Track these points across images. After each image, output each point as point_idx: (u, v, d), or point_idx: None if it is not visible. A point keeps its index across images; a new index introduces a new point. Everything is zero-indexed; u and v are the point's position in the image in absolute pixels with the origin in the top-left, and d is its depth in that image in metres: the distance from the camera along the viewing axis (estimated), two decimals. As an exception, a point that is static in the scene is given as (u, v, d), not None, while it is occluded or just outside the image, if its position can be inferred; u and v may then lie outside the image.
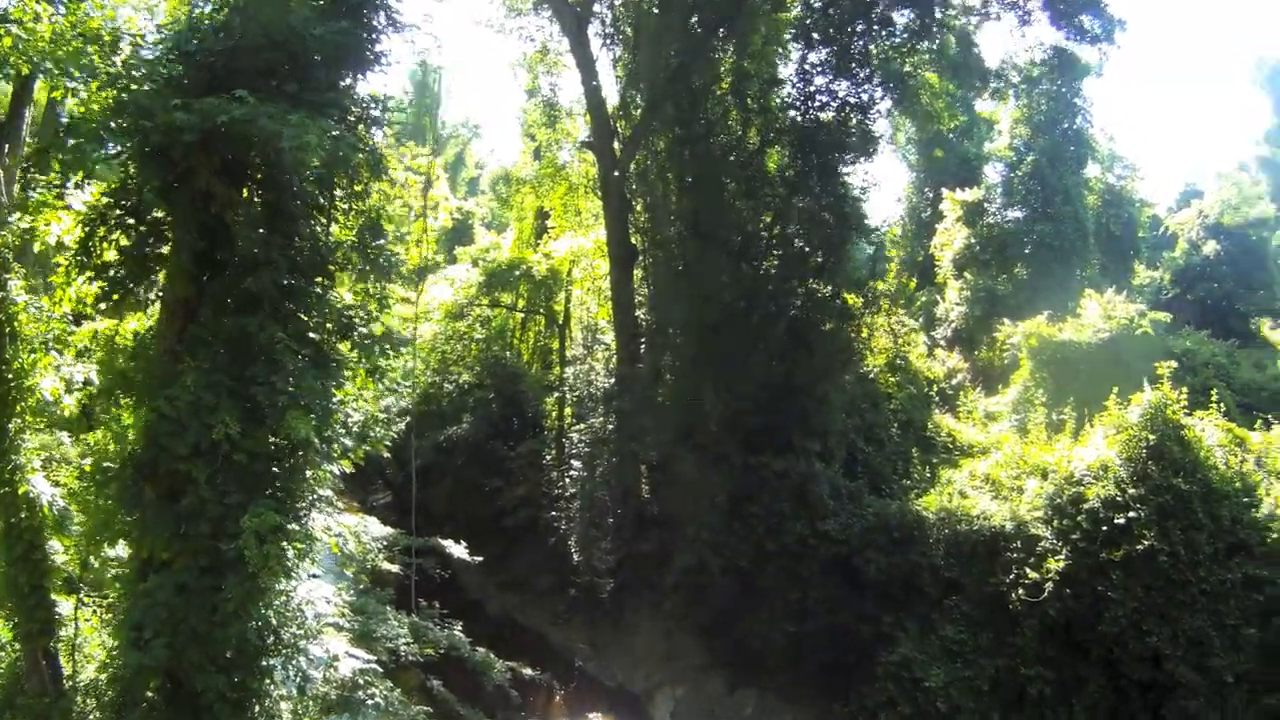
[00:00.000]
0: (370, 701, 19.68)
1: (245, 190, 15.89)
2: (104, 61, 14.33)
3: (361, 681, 19.58)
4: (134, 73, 14.45)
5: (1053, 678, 23.60)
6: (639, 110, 36.39)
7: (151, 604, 14.43)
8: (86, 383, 16.86)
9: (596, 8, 37.44)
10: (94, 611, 18.03)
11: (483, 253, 46.60)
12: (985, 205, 53.48)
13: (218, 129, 13.79)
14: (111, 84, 14.22)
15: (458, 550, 27.79)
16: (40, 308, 16.29)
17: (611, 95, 37.77)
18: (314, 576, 19.43)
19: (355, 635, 20.65)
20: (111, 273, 15.95)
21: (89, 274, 15.88)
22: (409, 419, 40.14)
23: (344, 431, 16.08)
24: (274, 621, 15.91)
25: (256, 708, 15.94)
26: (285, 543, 14.43)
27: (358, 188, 16.48)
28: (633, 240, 36.63)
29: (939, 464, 32.06)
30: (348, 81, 16.60)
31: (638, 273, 36.87)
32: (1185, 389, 25.92)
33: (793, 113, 34.85)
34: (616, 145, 36.79)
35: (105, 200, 15.78)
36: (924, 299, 53.95)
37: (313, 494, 16.05)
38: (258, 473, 14.80)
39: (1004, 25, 35.36)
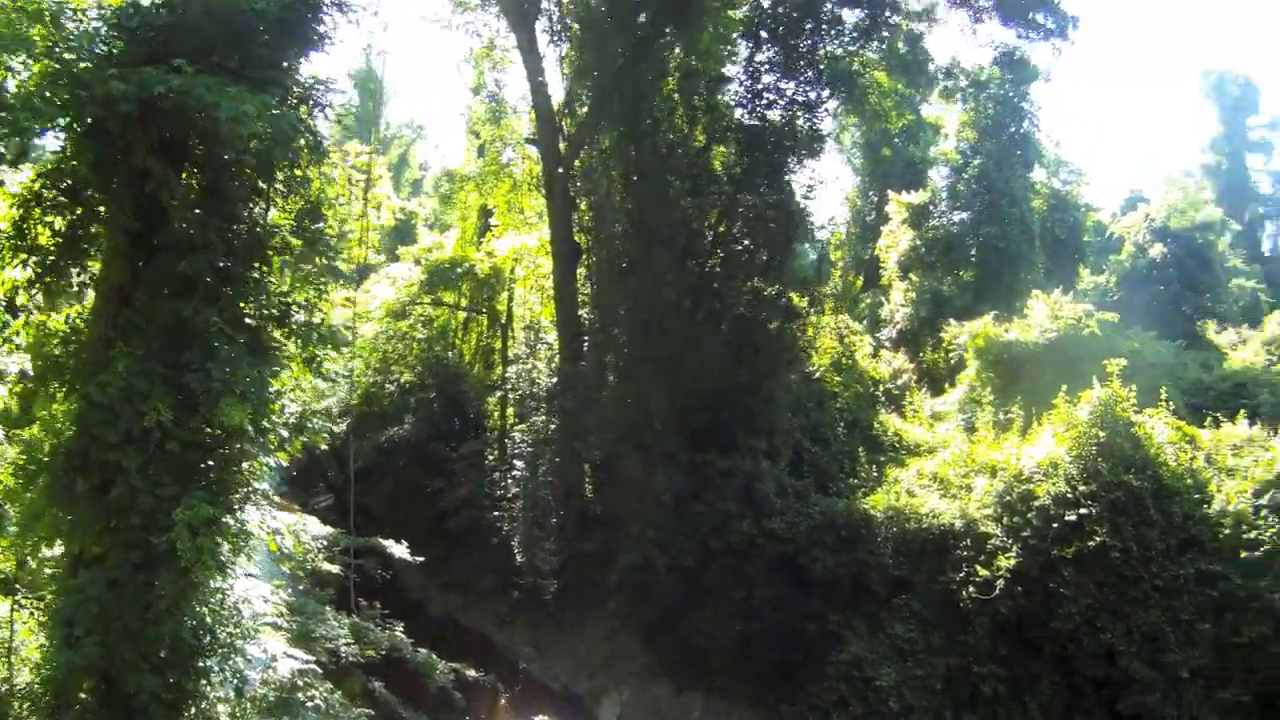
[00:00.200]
0: (310, 704, 19.11)
1: (184, 172, 15.35)
2: (43, 38, 13.78)
3: (301, 683, 19.03)
4: (71, 43, 13.89)
5: (1005, 675, 23.55)
6: (584, 107, 36.05)
7: (82, 600, 13.88)
8: (23, 375, 16.21)
9: (544, 4, 37.01)
10: (31, 614, 17.32)
11: (425, 252, 45.96)
12: (931, 208, 53.67)
13: (155, 103, 13.34)
14: (48, 54, 13.64)
15: (399, 550, 27.23)
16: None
17: (557, 92, 37.46)
18: (250, 576, 18.95)
19: (294, 635, 20.10)
20: (45, 256, 15.38)
21: (22, 256, 15.29)
22: (349, 420, 39.59)
23: (281, 422, 15.57)
24: (209, 620, 15.42)
25: (192, 709, 15.43)
26: (219, 536, 13.92)
27: (298, 172, 16.01)
28: (576, 238, 36.25)
29: (886, 463, 31.96)
30: (290, 62, 16.13)
31: (581, 271, 36.51)
32: (1134, 387, 25.93)
33: (740, 111, 34.75)
34: (561, 142, 36.41)
35: (40, 182, 15.23)
36: (869, 300, 54.08)
37: (248, 486, 15.55)
38: (191, 463, 14.30)
39: (954, 24, 35.31)
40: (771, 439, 31.59)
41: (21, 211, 15.19)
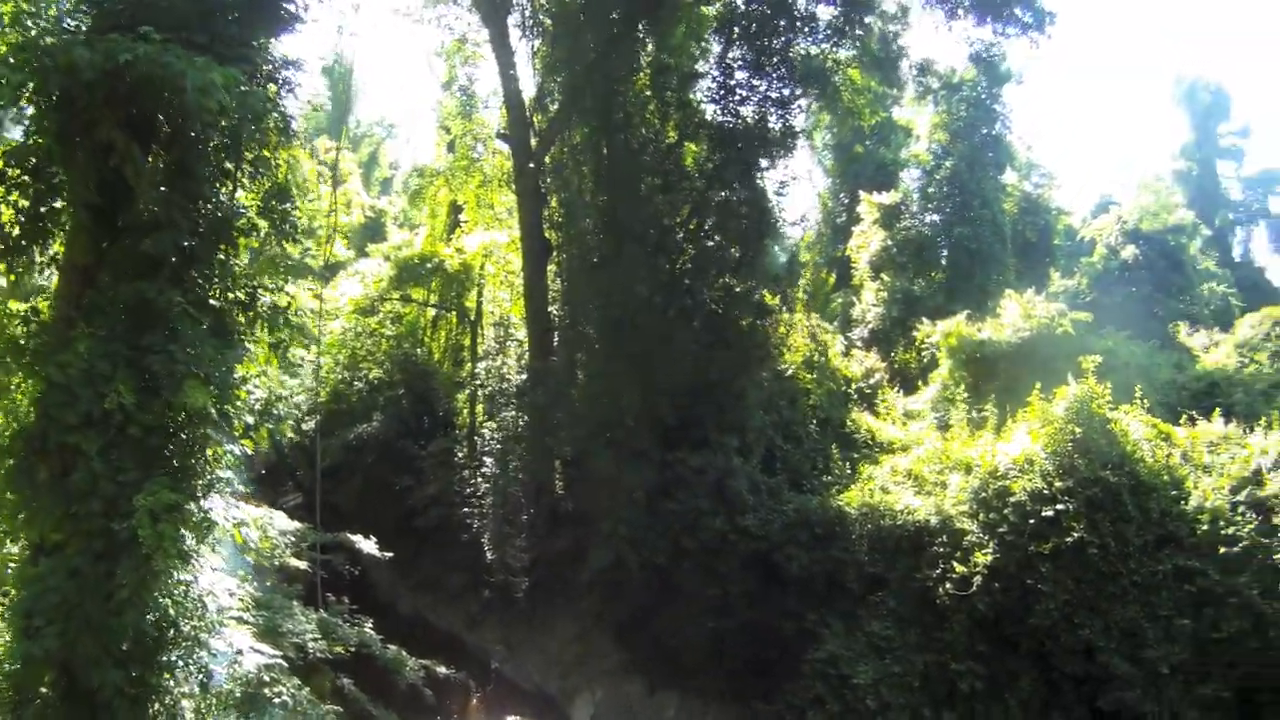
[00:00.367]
0: (277, 700, 18.61)
1: (150, 150, 14.95)
2: (11, 11, 13.40)
3: (267, 678, 18.54)
4: (40, 19, 13.50)
5: (983, 672, 23.33)
6: (556, 103, 35.77)
7: (42, 590, 13.48)
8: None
9: (517, -2, 36.73)
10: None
11: (395, 250, 45.50)
12: (902, 209, 53.66)
13: (122, 74, 13.03)
14: (15, 24, 13.23)
15: (367, 545, 26.73)
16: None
17: (529, 88, 37.24)
18: (215, 570, 18.49)
19: (260, 630, 19.57)
20: (7, 235, 14.91)
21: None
22: (317, 417, 39.22)
23: (246, 407, 15.18)
24: (172, 612, 14.95)
25: (156, 705, 14.98)
26: (181, 523, 13.49)
27: (265, 153, 15.63)
28: (547, 235, 35.95)
29: (859, 460, 31.78)
30: (260, 41, 15.78)
31: (551, 268, 36.20)
32: (1110, 385, 25.87)
33: (712, 107, 34.64)
34: (532, 138, 36.11)
35: (3, 160, 14.77)
36: (840, 301, 54.01)
37: (212, 474, 15.12)
38: (153, 448, 13.88)
39: (929, 22, 35.14)
40: (743, 436, 31.40)
41: (-15, 190, 14.77)
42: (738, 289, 33.33)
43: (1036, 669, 23.06)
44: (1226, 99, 79.37)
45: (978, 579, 23.66)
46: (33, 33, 13.48)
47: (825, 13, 34.43)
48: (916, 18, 36.10)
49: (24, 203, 14.92)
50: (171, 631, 15.02)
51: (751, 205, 33.40)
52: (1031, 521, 23.69)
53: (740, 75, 33.98)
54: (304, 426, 43.44)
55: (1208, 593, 22.28)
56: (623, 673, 30.01)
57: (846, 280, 56.40)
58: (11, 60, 12.95)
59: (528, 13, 36.87)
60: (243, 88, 13.79)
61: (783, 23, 33.64)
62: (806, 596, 26.58)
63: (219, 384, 13.76)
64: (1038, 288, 45.64)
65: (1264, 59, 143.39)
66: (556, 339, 35.29)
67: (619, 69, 33.83)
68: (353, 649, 23.02)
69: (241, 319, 15.48)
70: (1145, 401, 27.20)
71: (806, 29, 34.21)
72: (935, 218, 53.20)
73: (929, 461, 28.82)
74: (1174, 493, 24.06)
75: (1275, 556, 22.07)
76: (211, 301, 14.88)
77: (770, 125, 33.63)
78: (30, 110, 14.29)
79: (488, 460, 36.27)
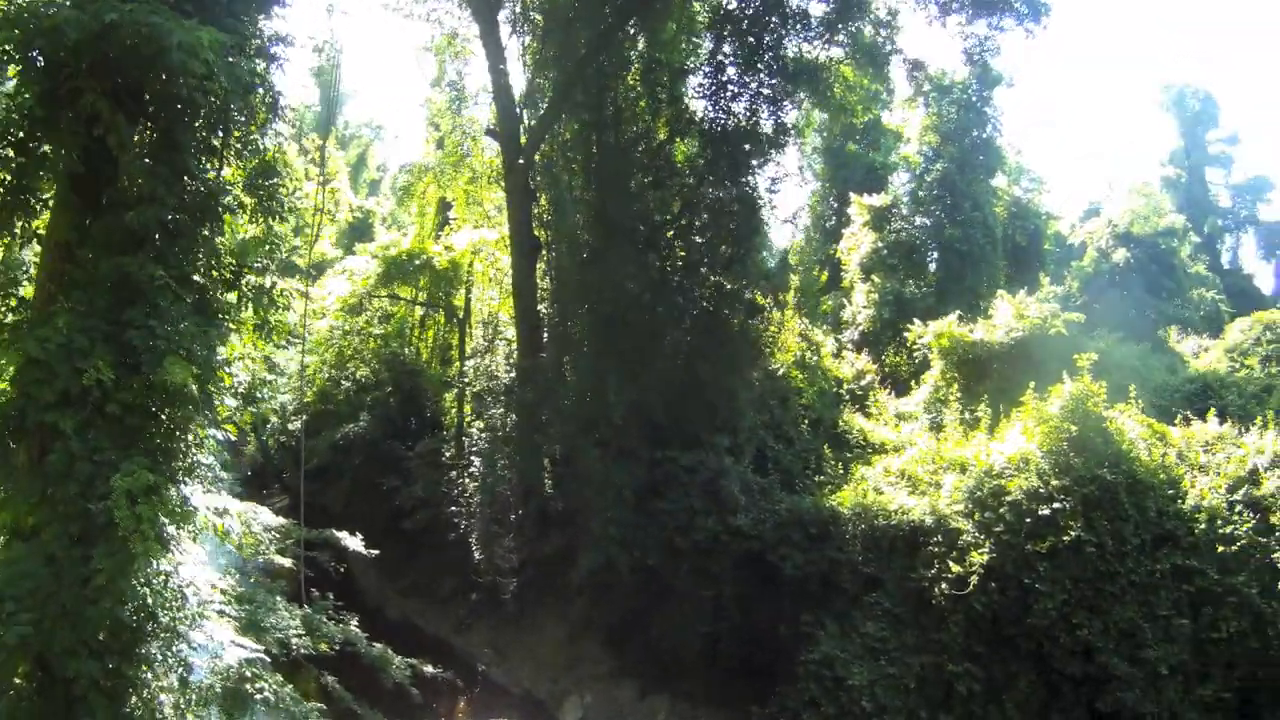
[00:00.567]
0: (259, 696, 18.15)
1: (137, 123, 14.55)
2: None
3: (249, 674, 18.07)
4: None
5: (981, 674, 23.05)
6: (546, 99, 35.42)
7: (17, 575, 13.03)
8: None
9: (508, -7, 36.38)
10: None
11: (383, 249, 45.09)
12: (892, 211, 53.47)
13: (108, 41, 12.74)
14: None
15: (353, 543, 26.23)
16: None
17: (519, 84, 36.86)
18: (197, 563, 18.06)
19: (242, 625, 19.08)
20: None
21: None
22: (304, 417, 38.85)
23: (229, 389, 14.76)
24: (151, 602, 14.49)
25: (133, 698, 14.55)
26: (160, 507, 13.02)
27: (253, 129, 15.25)
28: (536, 233, 35.56)
29: (852, 461, 31.48)
30: (250, 15, 15.39)
31: (540, 266, 35.81)
32: (1104, 384, 25.64)
33: (703, 104, 34.23)
34: (522, 135, 35.73)
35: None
36: (830, 303, 53.76)
37: (193, 457, 14.69)
38: (132, 427, 13.48)
39: (922, 17, 34.72)
40: (735, 436, 31.16)
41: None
42: (728, 287, 33.03)
43: (1034, 670, 22.78)
44: (1215, 106, 79.48)
45: (974, 579, 23.36)
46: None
47: (817, 9, 34.18)
48: (909, 16, 35.79)
49: (6, 176, 14.55)
50: (150, 623, 14.62)
51: (742, 202, 33.09)
52: (1028, 520, 23.49)
53: (731, 72, 33.70)
54: (290, 427, 43.06)
55: (1206, 592, 22.17)
56: (613, 676, 29.69)
57: (836, 282, 56.16)
58: None
59: (518, 9, 36.46)
60: (230, 59, 13.47)
61: (774, 20, 33.34)
62: (800, 597, 26.19)
63: (201, 363, 13.36)
64: (1028, 291, 45.40)
65: (1253, 65, 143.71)
66: (545, 337, 34.88)
67: (610, 65, 33.57)
68: (337, 647, 22.58)
69: (226, 297, 15.07)
70: (1139, 402, 27.01)
71: (798, 26, 33.93)
72: (925, 220, 52.97)
73: (922, 462, 28.59)
74: (1170, 492, 23.94)
75: (1273, 556, 22.05)
76: (195, 278, 14.49)
77: (761, 122, 33.38)
78: (13, 82, 13.92)
79: (476, 460, 35.87)
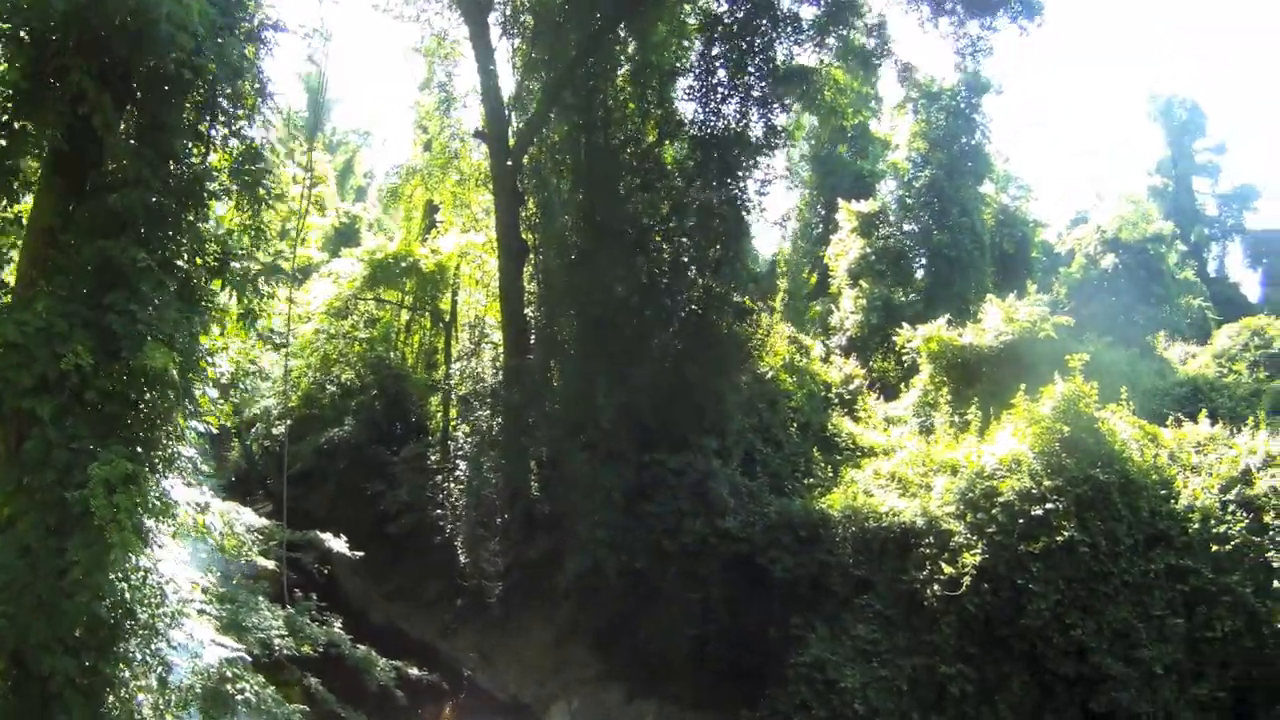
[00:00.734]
0: (240, 697, 17.81)
1: (123, 107, 14.30)
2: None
3: (230, 674, 17.73)
4: None
5: (974, 675, 22.76)
6: (535, 101, 35.26)
7: (-9, 566, 12.72)
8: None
9: (498, -5, 36.26)
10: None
11: (369, 253, 44.82)
12: (879, 219, 53.38)
13: (95, 14, 12.51)
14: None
15: (337, 545, 25.97)
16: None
17: (508, 86, 36.65)
18: (177, 561, 17.72)
19: (223, 624, 18.76)
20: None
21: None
22: (288, 421, 38.56)
23: (211, 378, 14.48)
24: (129, 597, 14.17)
25: (111, 697, 14.25)
26: (138, 497, 12.72)
27: (241, 115, 15.01)
28: (524, 236, 35.35)
29: (841, 464, 31.29)
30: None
31: (527, 269, 35.60)
32: (1096, 385, 25.56)
33: (693, 106, 34.01)
34: (511, 137, 35.56)
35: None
36: (819, 308, 53.64)
37: (173, 448, 14.40)
38: (111, 415, 13.22)
39: (913, 19, 34.66)
40: (723, 439, 30.89)
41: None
42: (717, 290, 32.78)
43: (1028, 671, 22.53)
44: (1202, 116, 79.79)
45: (966, 580, 23.12)
46: None
47: (808, 13, 34.07)
48: (900, 18, 35.79)
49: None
50: (128, 619, 14.28)
51: (732, 205, 32.87)
52: (1021, 521, 23.30)
53: (722, 74, 33.41)
54: (275, 432, 42.76)
55: (1200, 592, 22.02)
56: (600, 681, 29.35)
57: (824, 288, 56.06)
58: None
59: (508, 11, 36.37)
60: (220, 40, 13.21)
61: (765, 23, 33.20)
62: (790, 600, 25.89)
63: (182, 349, 13.09)
64: (1016, 298, 45.35)
65: (1241, 71, 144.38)
66: (532, 340, 34.68)
67: (600, 67, 33.41)
68: (321, 649, 22.27)
69: (210, 284, 14.80)
70: (1130, 404, 26.90)
71: (789, 29, 33.77)
72: (913, 227, 52.91)
73: (913, 464, 28.36)
74: (1163, 492, 23.81)
75: (1267, 555, 21.92)
76: (179, 263, 14.24)
77: (751, 125, 33.12)
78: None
79: (461, 464, 35.62)
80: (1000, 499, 24.04)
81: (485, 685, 31.97)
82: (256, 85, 14.85)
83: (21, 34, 13.21)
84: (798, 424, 35.16)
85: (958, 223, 50.53)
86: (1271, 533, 22.12)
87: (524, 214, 35.44)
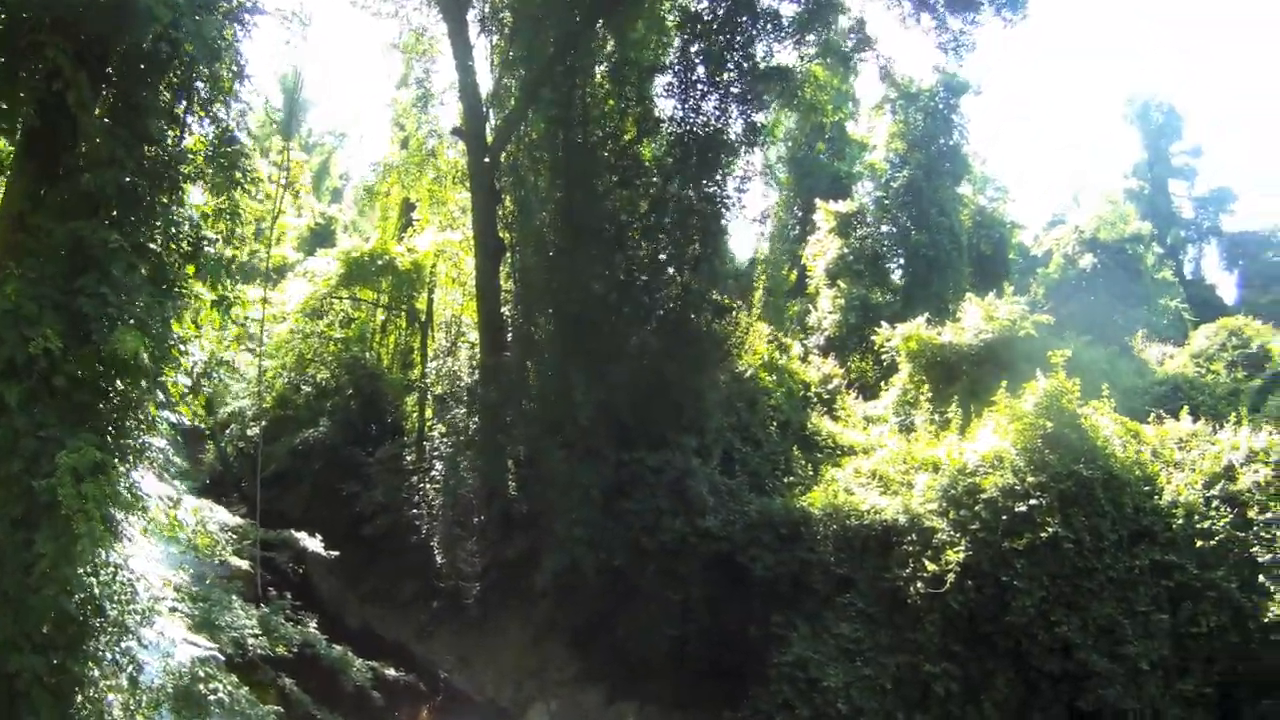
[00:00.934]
0: (213, 697, 17.41)
1: (99, 89, 13.93)
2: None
3: (202, 674, 17.32)
4: None
5: (958, 673, 22.55)
6: (513, 98, 34.98)
7: (-44, 562, 12.34)
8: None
9: (477, -10, 35.97)
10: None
11: (345, 252, 44.39)
12: (856, 220, 53.30)
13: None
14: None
15: (312, 544, 25.56)
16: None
17: (486, 83, 36.44)
18: (148, 558, 17.34)
19: (195, 623, 18.36)
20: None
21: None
22: (262, 422, 38.14)
23: (184, 368, 14.12)
24: (98, 593, 13.81)
25: (79, 697, 13.88)
26: (107, 487, 12.35)
27: (218, 97, 14.67)
28: (501, 235, 35.04)
29: (822, 462, 31.12)
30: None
31: (504, 268, 35.31)
32: (1078, 381, 25.47)
33: (672, 102, 33.80)
34: (489, 134, 35.25)
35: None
36: (796, 308, 53.50)
37: (144, 438, 14.01)
38: (81, 403, 12.88)
39: (894, 16, 34.50)
40: (702, 437, 30.73)
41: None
42: (695, 287, 32.60)
43: (1013, 668, 22.35)
44: (1179, 119, 79.95)
45: (950, 577, 22.96)
46: None
47: (789, 10, 33.94)
48: (880, 15, 35.69)
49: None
50: (97, 617, 14.01)
51: (710, 202, 32.72)
52: (1004, 517, 23.17)
53: (701, 71, 33.25)
54: (249, 433, 42.31)
55: (1185, 587, 21.96)
56: (579, 682, 29.01)
57: (802, 289, 55.92)
58: None
59: (487, 8, 36.11)
60: (198, 18, 12.89)
61: (745, 19, 33.05)
62: (771, 599, 25.65)
63: (155, 336, 12.72)
64: (995, 298, 45.34)
65: (1222, 71, 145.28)
66: (509, 339, 34.33)
67: (578, 64, 33.15)
68: (296, 649, 21.89)
69: (183, 270, 14.43)
70: (1111, 402, 26.80)
71: (769, 26, 33.64)
72: (891, 228, 52.87)
73: (893, 462, 28.27)
74: (1147, 488, 23.78)
75: (1251, 550, 21.81)
76: (151, 247, 13.86)
77: (731, 122, 33.02)
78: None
79: (438, 464, 35.29)
80: (983, 495, 23.89)
81: (462, 687, 31.58)
82: (234, 68, 14.54)
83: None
84: (777, 423, 35.07)
85: (936, 223, 50.54)
86: (1255, 528, 22.04)
87: (501, 212, 35.13)
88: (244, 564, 24.52)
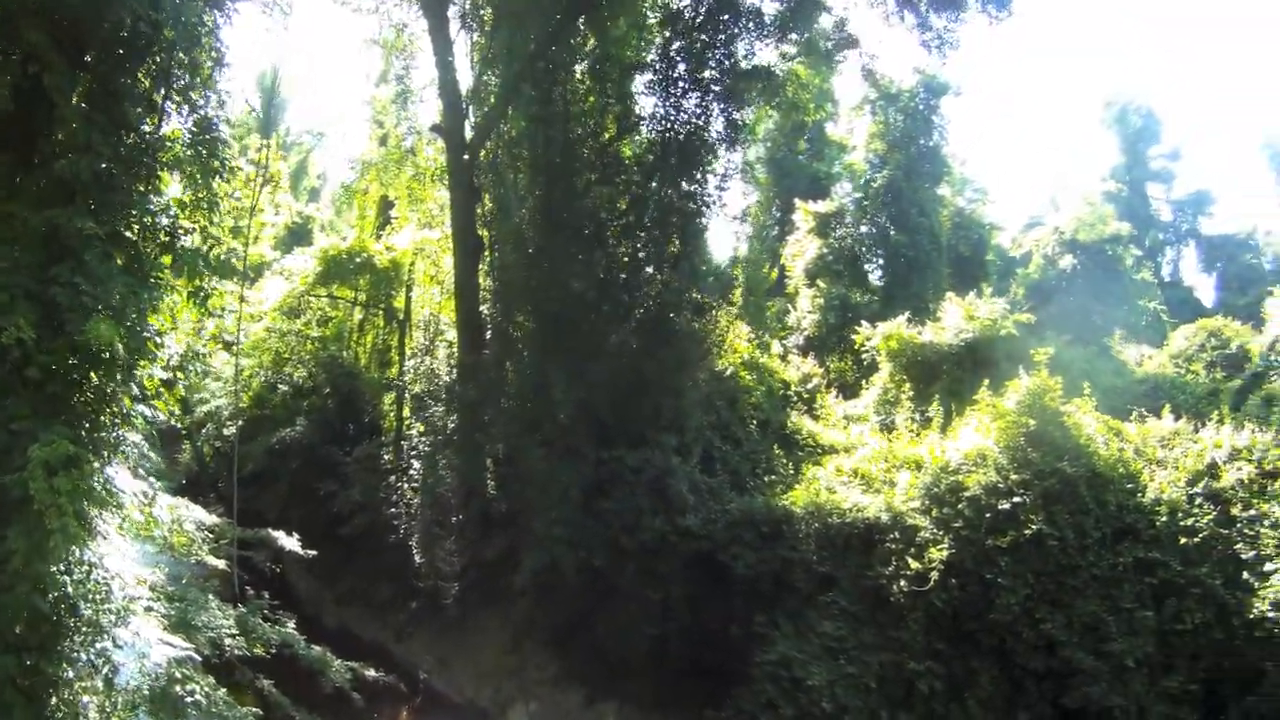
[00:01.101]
0: (190, 699, 17.10)
1: (78, 76, 13.67)
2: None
3: (179, 675, 17.01)
4: None
5: (942, 672, 22.44)
6: (493, 96, 34.76)
7: (-74, 560, 12.04)
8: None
9: (458, -13, 35.75)
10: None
11: (323, 250, 44.08)
12: (834, 220, 53.28)
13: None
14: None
15: (289, 543, 25.32)
16: None
17: (466, 80, 36.20)
18: (123, 556, 17.02)
19: (171, 623, 18.05)
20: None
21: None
22: (239, 422, 37.83)
23: (160, 362, 13.84)
24: (72, 592, 13.52)
25: (54, 699, 13.59)
26: (80, 481, 12.07)
27: (197, 84, 14.41)
28: (480, 233, 34.83)
29: (802, 461, 31.06)
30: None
31: (483, 266, 35.08)
32: (1060, 380, 25.49)
33: (653, 100, 33.62)
34: (468, 131, 35.02)
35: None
36: (775, 307, 53.43)
37: (118, 432, 13.74)
38: (54, 395, 12.60)
39: (877, 14, 34.40)
40: (682, 435, 30.57)
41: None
42: (675, 286, 32.38)
43: (997, 666, 22.25)
44: (1157, 122, 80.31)
45: (934, 575, 22.89)
46: None
47: (771, 8, 33.80)
48: (864, 13, 35.51)
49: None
50: (71, 616, 13.73)
51: (691, 199, 32.58)
52: (988, 515, 23.15)
53: (682, 69, 33.07)
54: (226, 433, 41.99)
55: (1169, 584, 21.89)
56: (559, 682, 28.78)
57: (781, 289, 55.87)
58: None
59: (468, 4, 35.91)
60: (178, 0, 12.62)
61: (727, 18, 32.92)
62: (753, 598, 25.46)
63: (130, 327, 12.46)
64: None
65: (1197, 80, 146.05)
66: (488, 336, 34.08)
67: (559, 61, 32.97)
68: (274, 650, 21.60)
69: (159, 260, 14.15)
70: (1093, 400, 26.82)
71: (751, 24, 33.52)
72: (870, 229, 52.85)
73: (875, 460, 28.22)
74: (1130, 486, 23.72)
75: (1235, 547, 21.77)
76: (127, 235, 13.56)
77: (712, 119, 32.86)
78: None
79: (415, 464, 35.08)
80: (966, 493, 23.86)
81: (441, 688, 31.33)
82: (214, 54, 14.28)
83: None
84: (757, 422, 34.99)
85: (916, 223, 50.57)
86: (1239, 525, 22.02)
87: (480, 210, 34.92)
88: (221, 563, 24.21)
